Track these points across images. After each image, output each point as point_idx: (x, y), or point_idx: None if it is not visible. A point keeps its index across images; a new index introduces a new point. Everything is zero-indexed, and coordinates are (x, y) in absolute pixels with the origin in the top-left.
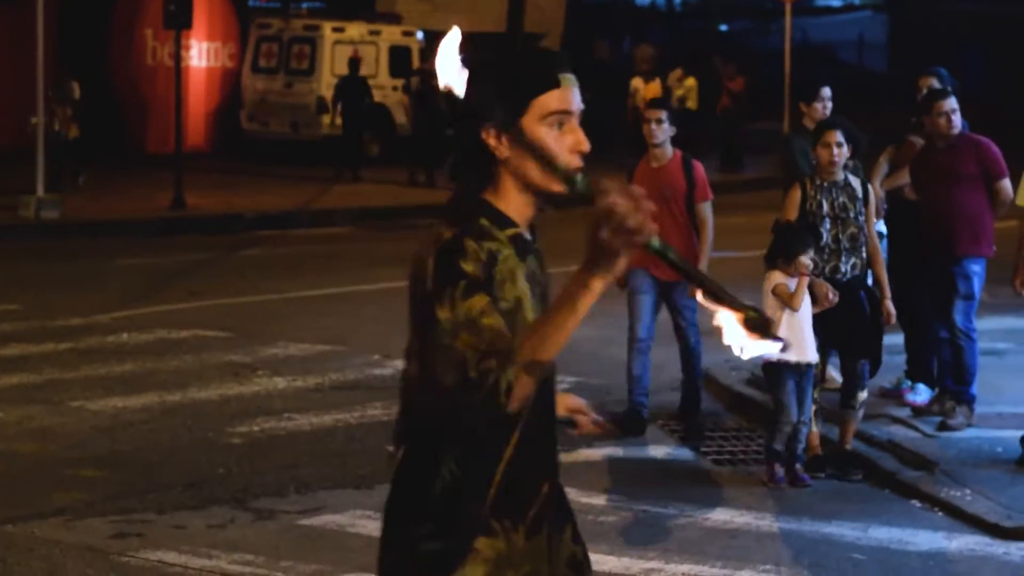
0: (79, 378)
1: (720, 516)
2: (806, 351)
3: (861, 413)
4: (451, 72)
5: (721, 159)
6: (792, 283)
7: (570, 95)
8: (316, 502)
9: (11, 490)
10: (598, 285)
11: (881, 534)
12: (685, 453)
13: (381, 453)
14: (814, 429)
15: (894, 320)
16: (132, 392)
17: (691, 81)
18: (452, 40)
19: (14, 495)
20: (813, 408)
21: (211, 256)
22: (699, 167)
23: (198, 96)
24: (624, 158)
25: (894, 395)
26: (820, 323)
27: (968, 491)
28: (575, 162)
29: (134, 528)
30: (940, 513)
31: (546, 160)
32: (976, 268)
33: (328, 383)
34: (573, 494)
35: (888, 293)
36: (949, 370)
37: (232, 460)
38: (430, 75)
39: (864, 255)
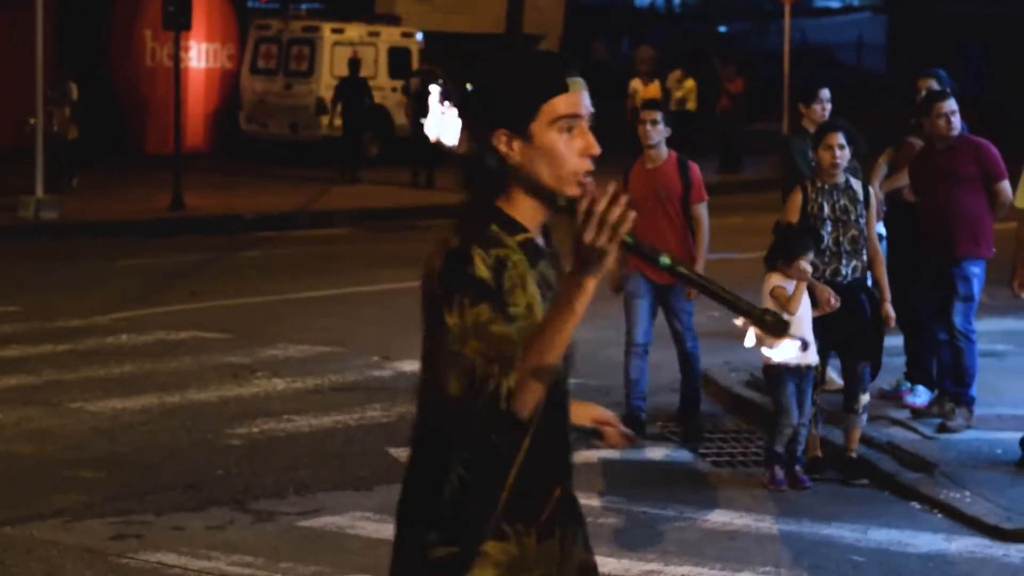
0: (78, 379)
1: (719, 518)
2: (806, 353)
3: (864, 418)
4: (439, 124)
5: (720, 160)
6: (790, 286)
7: (579, 99)
8: (315, 503)
9: (10, 491)
10: (591, 284)
11: (881, 536)
12: (684, 455)
13: (380, 455)
14: (814, 431)
15: (893, 323)
16: (131, 393)
17: (690, 82)
18: (434, 96)
19: (13, 496)
20: (813, 410)
21: (210, 257)
22: (695, 168)
23: (197, 97)
24: (624, 159)
25: (893, 397)
26: (820, 325)
27: (968, 493)
28: (586, 166)
29: (133, 529)
30: (940, 515)
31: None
32: (975, 270)
33: (327, 384)
34: None
35: (888, 296)
36: (948, 372)
37: (231, 461)
38: (429, 76)
39: (865, 258)
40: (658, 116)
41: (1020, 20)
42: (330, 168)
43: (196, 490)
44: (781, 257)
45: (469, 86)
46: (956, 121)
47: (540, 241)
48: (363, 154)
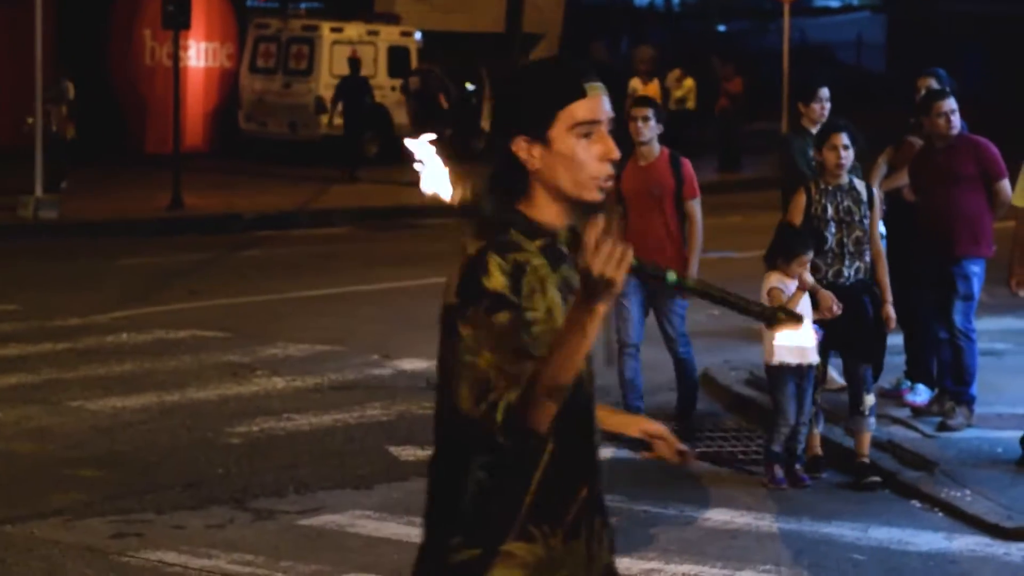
0: (78, 378)
1: (720, 516)
2: (806, 353)
3: (873, 421)
4: (434, 176)
5: (719, 159)
6: (790, 286)
7: (596, 104)
8: (315, 502)
9: (10, 490)
10: (602, 308)
11: (881, 534)
12: None
13: (380, 453)
14: (814, 430)
15: (894, 324)
16: (131, 392)
17: (690, 82)
18: (428, 147)
19: (13, 495)
20: (814, 409)
21: (210, 256)
22: (687, 164)
23: (196, 96)
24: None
25: (894, 395)
26: (823, 325)
27: (968, 491)
28: (605, 170)
29: (133, 528)
30: (940, 513)
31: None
32: (975, 269)
33: (327, 383)
34: None
35: (889, 297)
36: (949, 370)
37: (231, 460)
38: (429, 75)
39: (868, 258)
40: (649, 113)
41: (1020, 20)
42: (329, 167)
43: (196, 489)
44: (781, 256)
45: (469, 85)
46: (956, 120)
47: (562, 246)
48: (362, 153)
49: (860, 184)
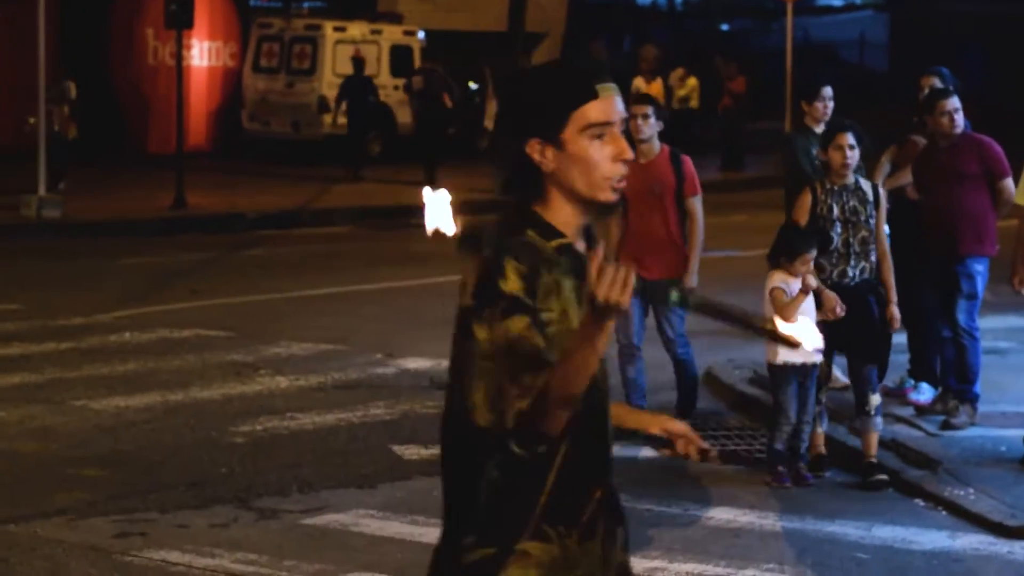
0: (81, 377)
1: (723, 515)
2: (809, 351)
3: (879, 420)
4: (437, 214)
5: (723, 158)
6: (793, 285)
7: (608, 106)
8: (319, 501)
9: (13, 490)
10: (611, 325)
11: (885, 533)
12: None
13: (384, 452)
14: (818, 429)
15: (898, 325)
16: (134, 391)
17: (693, 81)
18: (442, 199)
19: (16, 495)
20: (818, 408)
21: (213, 255)
22: (687, 161)
23: (199, 96)
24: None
25: (897, 394)
26: (827, 325)
27: (972, 490)
28: (619, 171)
29: (137, 527)
30: (944, 512)
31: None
32: (979, 267)
33: (330, 382)
34: None
35: (895, 298)
36: (952, 369)
37: (235, 459)
38: (432, 74)
39: (873, 259)
40: (649, 110)
41: (1021, 20)
42: (332, 166)
43: (200, 488)
44: (784, 254)
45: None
46: (959, 119)
47: (579, 245)
48: (366, 153)
49: (866, 184)
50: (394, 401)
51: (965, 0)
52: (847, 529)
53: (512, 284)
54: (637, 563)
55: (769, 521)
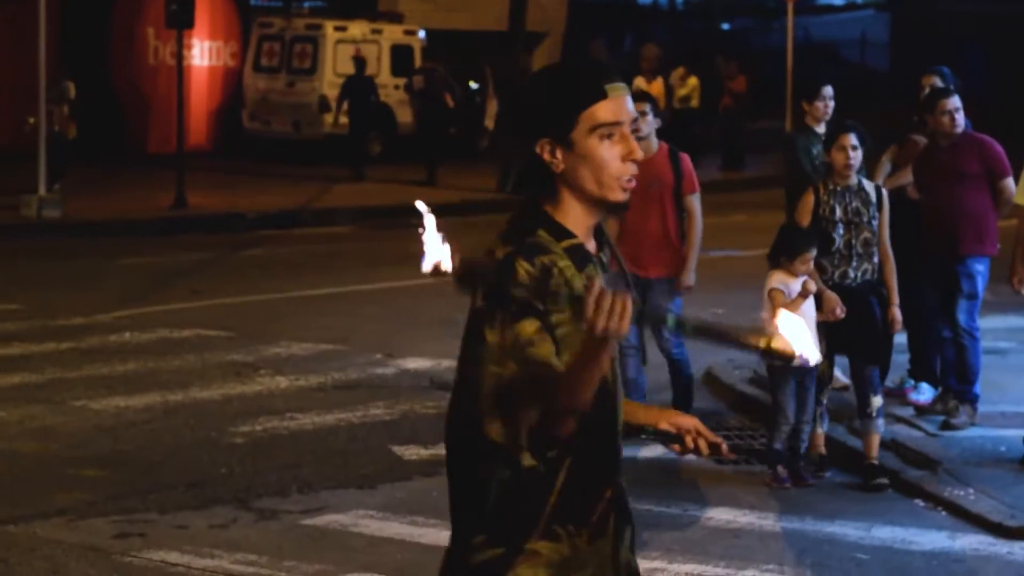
0: (81, 377)
1: (723, 515)
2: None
3: (881, 423)
4: (434, 250)
5: (723, 158)
6: (792, 286)
7: (617, 105)
8: (318, 502)
9: (13, 490)
10: (614, 345)
11: (884, 533)
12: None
13: (384, 452)
14: (818, 430)
15: (900, 327)
16: (134, 391)
17: (693, 80)
18: (431, 223)
19: (16, 495)
20: (819, 410)
21: (213, 255)
22: (686, 159)
23: (200, 95)
24: None
25: (897, 394)
26: (828, 327)
27: (971, 490)
28: (628, 170)
29: (136, 528)
30: (943, 512)
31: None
32: (980, 267)
33: (330, 382)
34: None
35: (896, 300)
36: (952, 369)
37: (234, 460)
38: (433, 74)
39: (876, 260)
40: (647, 107)
41: (1021, 19)
42: (333, 166)
43: (199, 488)
44: (784, 254)
45: (472, 84)
46: (960, 118)
47: (590, 245)
48: (366, 152)
49: (869, 185)
50: (394, 401)
51: (966, 0)
52: (847, 529)
53: (522, 288)
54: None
55: (769, 522)
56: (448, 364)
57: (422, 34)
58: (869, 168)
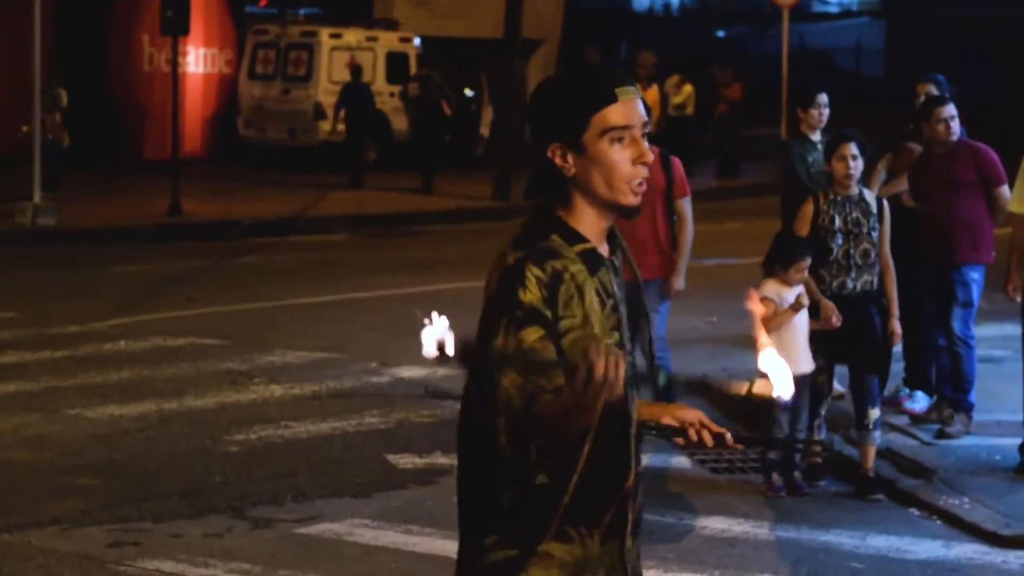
0: (76, 386)
1: (718, 524)
2: (800, 362)
3: (878, 434)
4: (434, 334)
5: (718, 165)
6: (786, 295)
7: (628, 109)
8: (313, 510)
9: (7, 498)
10: (602, 400)
11: (879, 542)
12: (682, 461)
13: (378, 461)
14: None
15: (899, 339)
16: (129, 400)
17: (688, 87)
18: (442, 323)
19: (10, 503)
20: (816, 421)
21: (208, 263)
22: (677, 163)
23: (195, 102)
24: None
25: (892, 403)
26: (827, 337)
27: (966, 499)
28: (639, 173)
29: (131, 537)
30: (938, 521)
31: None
32: (975, 275)
33: (325, 391)
34: None
35: (897, 311)
36: (947, 377)
37: (229, 468)
38: (428, 81)
39: (876, 271)
40: None
41: (1018, 24)
42: (328, 173)
43: (194, 497)
44: (779, 262)
45: (468, 91)
46: (955, 126)
47: (603, 249)
48: (362, 160)
49: (870, 195)
50: (389, 410)
51: (963, 4)
52: (842, 538)
53: (531, 294)
54: None
55: (764, 530)
56: (443, 373)
57: (417, 41)
58: (864, 176)
